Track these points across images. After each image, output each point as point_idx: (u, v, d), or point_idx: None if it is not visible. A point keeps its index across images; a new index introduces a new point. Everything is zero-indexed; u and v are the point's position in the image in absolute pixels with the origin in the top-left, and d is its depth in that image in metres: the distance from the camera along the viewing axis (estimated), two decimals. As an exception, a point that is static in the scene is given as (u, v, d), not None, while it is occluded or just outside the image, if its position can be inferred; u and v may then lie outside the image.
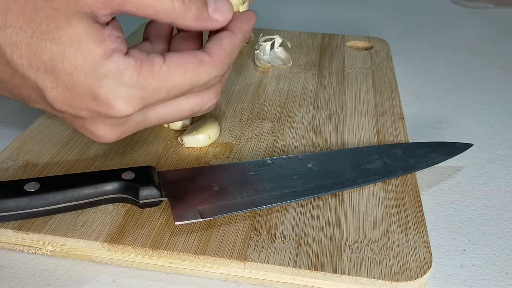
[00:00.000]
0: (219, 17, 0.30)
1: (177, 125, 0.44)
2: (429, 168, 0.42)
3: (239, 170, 0.38)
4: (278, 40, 0.57)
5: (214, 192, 0.36)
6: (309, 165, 0.39)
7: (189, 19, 0.29)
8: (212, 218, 0.34)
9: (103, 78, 0.27)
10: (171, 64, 0.29)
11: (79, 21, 0.26)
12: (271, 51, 0.57)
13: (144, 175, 0.36)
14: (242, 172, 0.38)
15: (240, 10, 0.36)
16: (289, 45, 0.58)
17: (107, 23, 0.28)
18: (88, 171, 0.40)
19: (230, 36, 0.31)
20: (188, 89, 0.30)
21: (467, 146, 0.44)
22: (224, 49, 0.31)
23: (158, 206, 0.36)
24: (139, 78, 0.28)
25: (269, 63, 0.57)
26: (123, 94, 0.28)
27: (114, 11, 0.27)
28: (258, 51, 0.57)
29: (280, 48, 0.57)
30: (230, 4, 0.31)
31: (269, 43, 0.57)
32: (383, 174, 0.39)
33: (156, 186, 0.35)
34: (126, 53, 0.28)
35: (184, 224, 0.34)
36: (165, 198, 0.35)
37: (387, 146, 0.43)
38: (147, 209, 0.36)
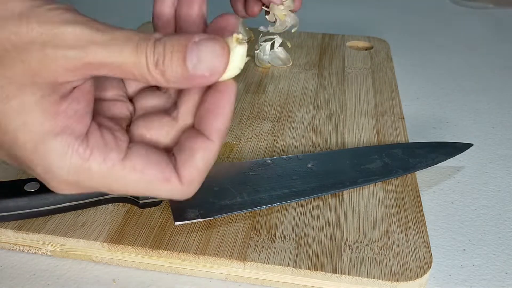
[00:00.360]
0: (203, 72, 0.24)
1: None
2: (429, 168, 0.42)
3: (239, 170, 0.38)
4: (278, 40, 0.57)
5: (214, 192, 0.36)
6: (309, 165, 0.39)
7: (169, 82, 0.24)
8: (212, 218, 0.34)
9: (43, 157, 0.24)
10: (128, 167, 0.25)
11: (32, 92, 0.23)
12: (271, 51, 0.57)
13: None
14: (242, 172, 0.38)
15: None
16: (289, 45, 0.58)
17: (71, 92, 0.24)
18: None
19: (204, 149, 0.26)
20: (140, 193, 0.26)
21: (467, 146, 0.44)
22: (196, 168, 0.26)
23: (158, 206, 0.36)
24: (80, 168, 0.24)
25: (269, 63, 0.57)
26: (59, 177, 0.25)
27: (86, 76, 0.24)
28: (258, 51, 0.57)
29: (280, 48, 0.57)
30: (223, 47, 0.24)
31: (269, 43, 0.57)
32: (383, 174, 0.39)
33: None
34: (81, 135, 0.24)
35: (184, 224, 0.34)
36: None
37: (387, 146, 0.43)
38: (147, 209, 0.36)
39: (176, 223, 0.33)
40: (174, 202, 0.35)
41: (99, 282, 0.33)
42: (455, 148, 0.44)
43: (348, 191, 0.38)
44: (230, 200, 0.35)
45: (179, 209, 0.34)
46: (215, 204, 0.35)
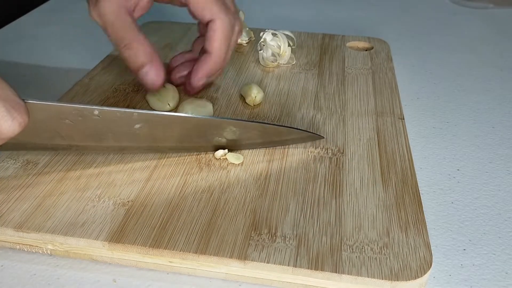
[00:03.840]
0: None
1: None
2: (429, 168, 0.42)
3: (57, 114, 0.36)
4: (282, 36, 0.57)
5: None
6: (137, 126, 0.38)
7: None
8: None
9: None
10: None
11: None
12: (267, 42, 0.57)
13: None
14: (59, 116, 0.36)
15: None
16: (291, 43, 0.58)
17: None
18: (88, 171, 0.40)
19: None
20: None
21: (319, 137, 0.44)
22: None
23: (159, 206, 0.36)
24: None
25: (276, 61, 0.57)
26: None
27: None
28: (261, 51, 0.57)
29: (288, 48, 0.57)
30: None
31: (269, 32, 0.57)
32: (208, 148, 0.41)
33: None
34: None
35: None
36: None
37: (243, 121, 0.41)
38: (147, 208, 0.36)
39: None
40: None
41: (99, 282, 0.33)
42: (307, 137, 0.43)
43: (348, 191, 0.38)
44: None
45: None
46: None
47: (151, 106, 0.48)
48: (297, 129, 0.42)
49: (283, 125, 0.43)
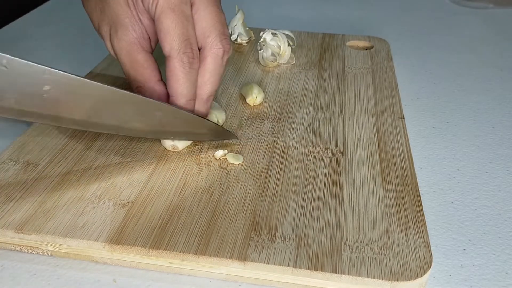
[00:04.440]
0: None
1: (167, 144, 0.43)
2: (429, 168, 0.42)
3: None
4: (282, 36, 0.57)
5: None
6: (45, 88, 0.34)
7: None
8: None
9: None
10: None
11: None
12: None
13: None
14: None
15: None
16: (291, 43, 0.58)
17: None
18: (88, 172, 0.40)
19: None
20: None
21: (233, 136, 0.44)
22: None
23: (159, 207, 0.36)
24: None
25: (276, 61, 0.57)
26: None
27: None
28: (261, 50, 0.57)
29: (288, 48, 0.57)
30: None
31: (269, 32, 0.57)
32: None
33: None
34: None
35: None
36: None
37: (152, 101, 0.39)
38: (147, 210, 0.36)
39: None
40: None
41: (100, 282, 0.33)
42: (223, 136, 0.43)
43: (348, 191, 0.38)
44: None
45: None
46: None
47: None
48: (210, 121, 0.42)
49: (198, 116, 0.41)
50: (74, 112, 0.36)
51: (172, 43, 0.38)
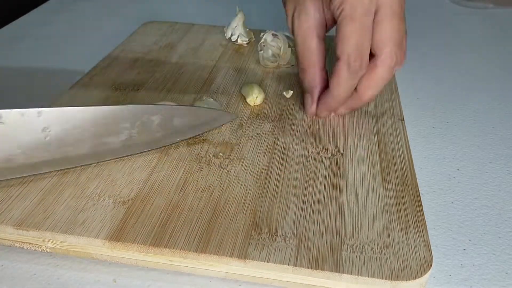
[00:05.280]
0: None
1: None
2: (429, 168, 0.42)
3: None
4: (282, 37, 0.57)
5: None
6: (44, 127, 0.34)
7: None
8: None
9: None
10: None
11: None
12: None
13: None
14: None
15: None
16: (292, 44, 0.58)
17: None
18: (88, 169, 0.40)
19: None
20: None
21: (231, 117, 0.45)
22: None
23: (159, 204, 0.36)
24: None
25: (276, 62, 0.57)
26: None
27: None
28: (261, 52, 0.57)
29: (289, 49, 0.57)
30: None
31: (270, 33, 0.57)
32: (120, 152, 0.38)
33: None
34: None
35: None
36: None
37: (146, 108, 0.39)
38: (148, 207, 0.36)
39: None
40: None
41: (100, 282, 0.33)
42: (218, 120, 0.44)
43: (349, 191, 0.38)
44: None
45: None
46: None
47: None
48: (204, 107, 0.43)
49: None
50: (79, 145, 0.36)
51: (345, 48, 0.40)
